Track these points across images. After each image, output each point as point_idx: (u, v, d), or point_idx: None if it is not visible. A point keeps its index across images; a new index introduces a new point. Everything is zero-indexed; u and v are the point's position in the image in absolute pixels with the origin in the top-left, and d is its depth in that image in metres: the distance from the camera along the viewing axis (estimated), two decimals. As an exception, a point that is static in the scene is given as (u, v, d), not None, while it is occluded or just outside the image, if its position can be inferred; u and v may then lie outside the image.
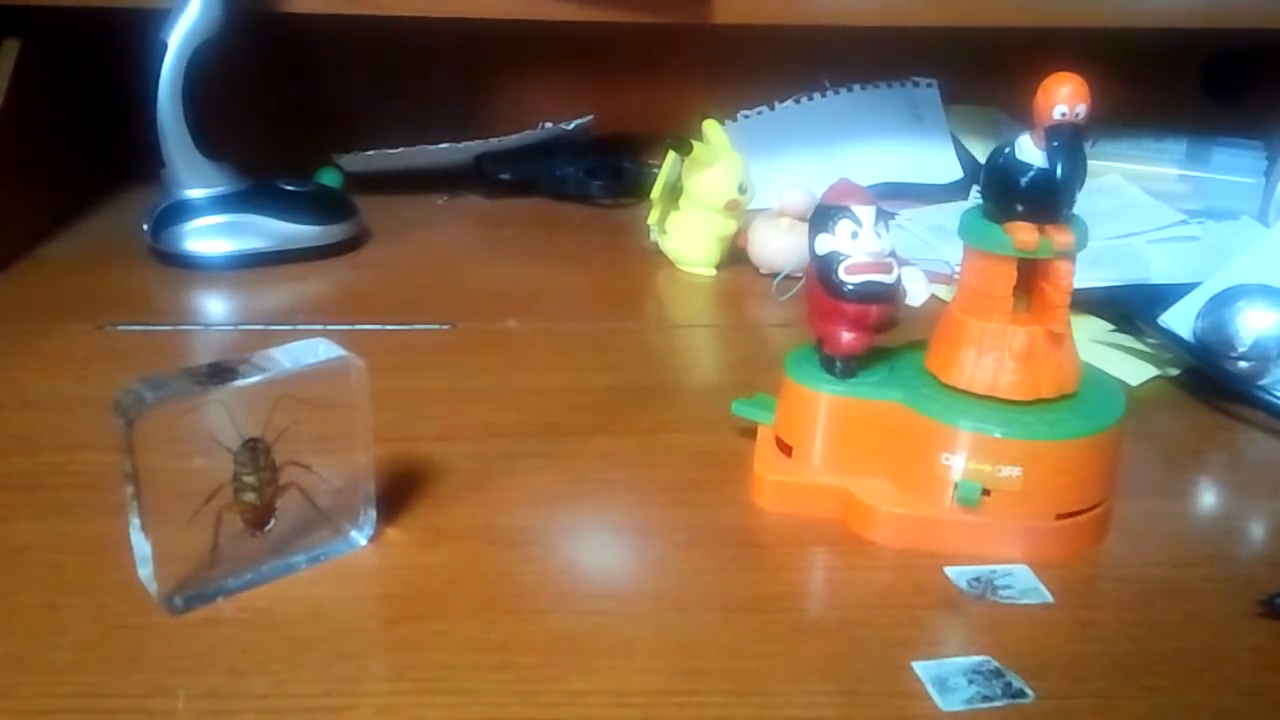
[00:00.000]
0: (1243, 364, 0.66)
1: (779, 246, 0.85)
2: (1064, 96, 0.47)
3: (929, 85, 1.10)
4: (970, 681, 0.42)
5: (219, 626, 0.44)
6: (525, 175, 1.10)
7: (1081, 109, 0.47)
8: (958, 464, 0.50)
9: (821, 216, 0.52)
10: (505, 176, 1.09)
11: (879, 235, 0.51)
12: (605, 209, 1.07)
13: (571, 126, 1.11)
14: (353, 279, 0.88)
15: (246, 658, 0.42)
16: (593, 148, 1.12)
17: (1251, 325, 0.66)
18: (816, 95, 1.09)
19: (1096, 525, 0.52)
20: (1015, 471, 0.49)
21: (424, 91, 1.14)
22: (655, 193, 0.90)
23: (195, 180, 0.87)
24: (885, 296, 0.51)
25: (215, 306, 0.82)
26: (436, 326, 0.76)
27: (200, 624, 0.44)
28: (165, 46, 0.83)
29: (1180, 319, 0.70)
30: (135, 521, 0.43)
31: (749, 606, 0.47)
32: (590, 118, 1.12)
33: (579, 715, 0.40)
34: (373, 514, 0.50)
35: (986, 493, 0.49)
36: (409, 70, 1.13)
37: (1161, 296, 0.73)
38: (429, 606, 0.46)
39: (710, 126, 0.87)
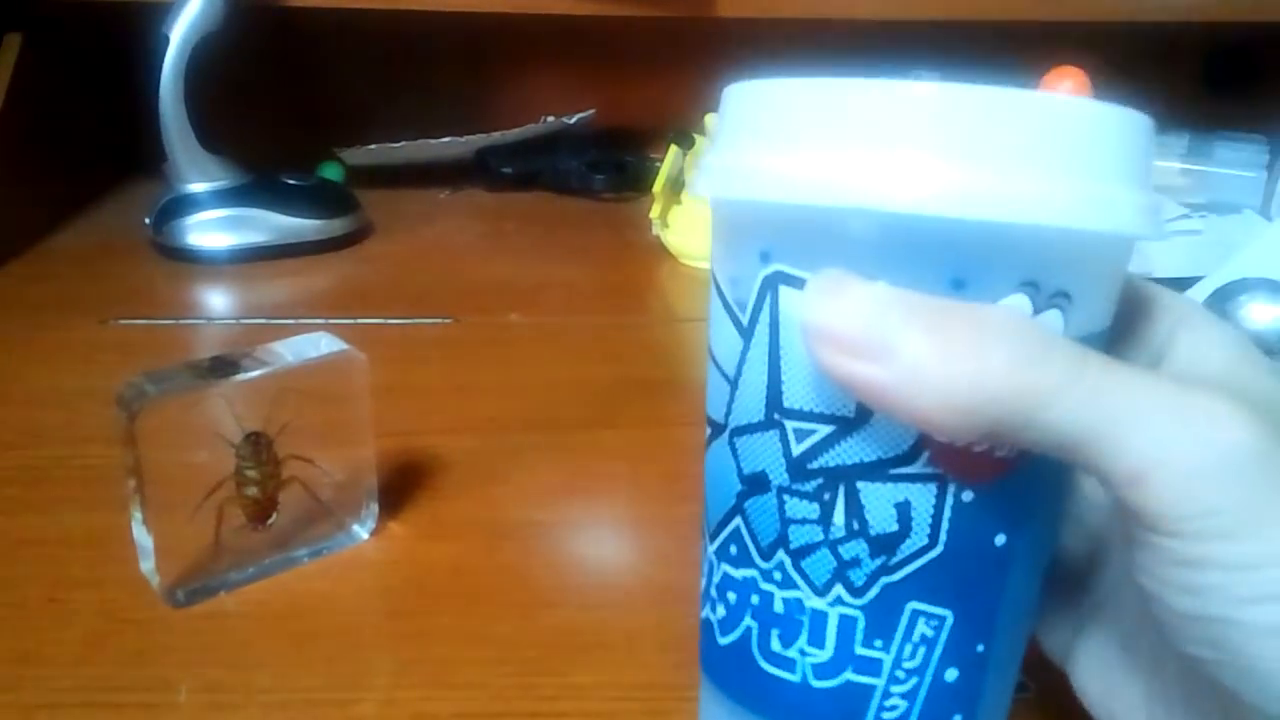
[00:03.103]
0: (1245, 358, 0.66)
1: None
2: (1066, 90, 0.47)
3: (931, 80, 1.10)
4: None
5: (221, 620, 0.44)
6: (528, 169, 1.10)
7: (1084, 103, 0.47)
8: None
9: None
10: (508, 170, 1.09)
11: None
12: (608, 203, 1.07)
13: (574, 120, 1.11)
14: (355, 273, 0.88)
15: (249, 651, 0.42)
16: (595, 142, 1.12)
17: (1254, 319, 0.66)
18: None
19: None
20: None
21: (426, 85, 1.14)
22: (658, 187, 0.90)
23: (197, 174, 0.87)
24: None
25: (217, 300, 0.82)
26: (438, 320, 0.76)
27: (203, 618, 0.44)
28: (167, 40, 0.83)
29: (1183, 313, 0.70)
30: (137, 515, 0.43)
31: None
32: (592, 111, 1.12)
33: (582, 709, 0.40)
34: (375, 508, 0.50)
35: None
36: (411, 64, 1.13)
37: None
38: (432, 600, 0.46)
39: (713, 120, 0.87)
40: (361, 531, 0.50)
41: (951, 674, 0.28)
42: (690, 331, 0.80)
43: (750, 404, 0.28)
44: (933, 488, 0.26)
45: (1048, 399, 0.23)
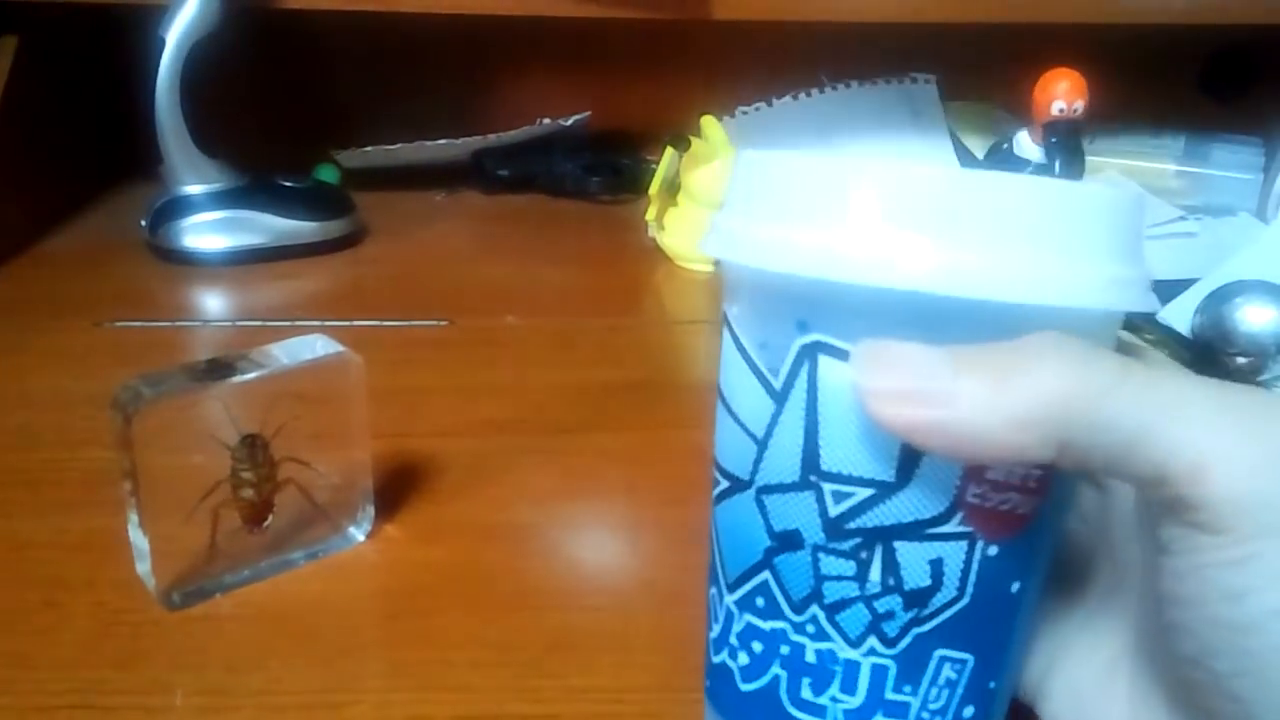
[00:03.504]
0: (1241, 360, 0.66)
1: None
2: (1062, 92, 0.48)
3: (927, 82, 1.10)
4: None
5: (217, 623, 0.44)
6: (523, 171, 1.10)
7: (1079, 105, 0.47)
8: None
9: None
10: (503, 173, 1.09)
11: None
12: (603, 205, 1.07)
13: (570, 123, 1.11)
14: (351, 275, 0.88)
15: (244, 654, 0.42)
16: (591, 144, 1.12)
17: (1250, 321, 0.66)
18: (815, 92, 1.09)
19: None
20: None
21: (422, 88, 1.14)
22: (653, 189, 0.90)
23: (193, 176, 0.87)
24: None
25: (213, 302, 0.82)
26: (434, 323, 0.76)
27: (198, 620, 0.44)
28: (163, 43, 0.83)
29: (1178, 315, 0.70)
30: (133, 518, 0.43)
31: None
32: (588, 114, 1.12)
33: (578, 711, 0.40)
34: (371, 510, 0.50)
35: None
36: (407, 66, 1.13)
37: (1159, 292, 0.73)
38: (427, 602, 0.46)
39: (708, 123, 0.87)
40: (357, 534, 0.50)
41: (968, 711, 0.30)
42: (686, 334, 0.80)
43: (782, 465, 0.29)
44: (964, 545, 0.28)
45: (1102, 397, 0.24)
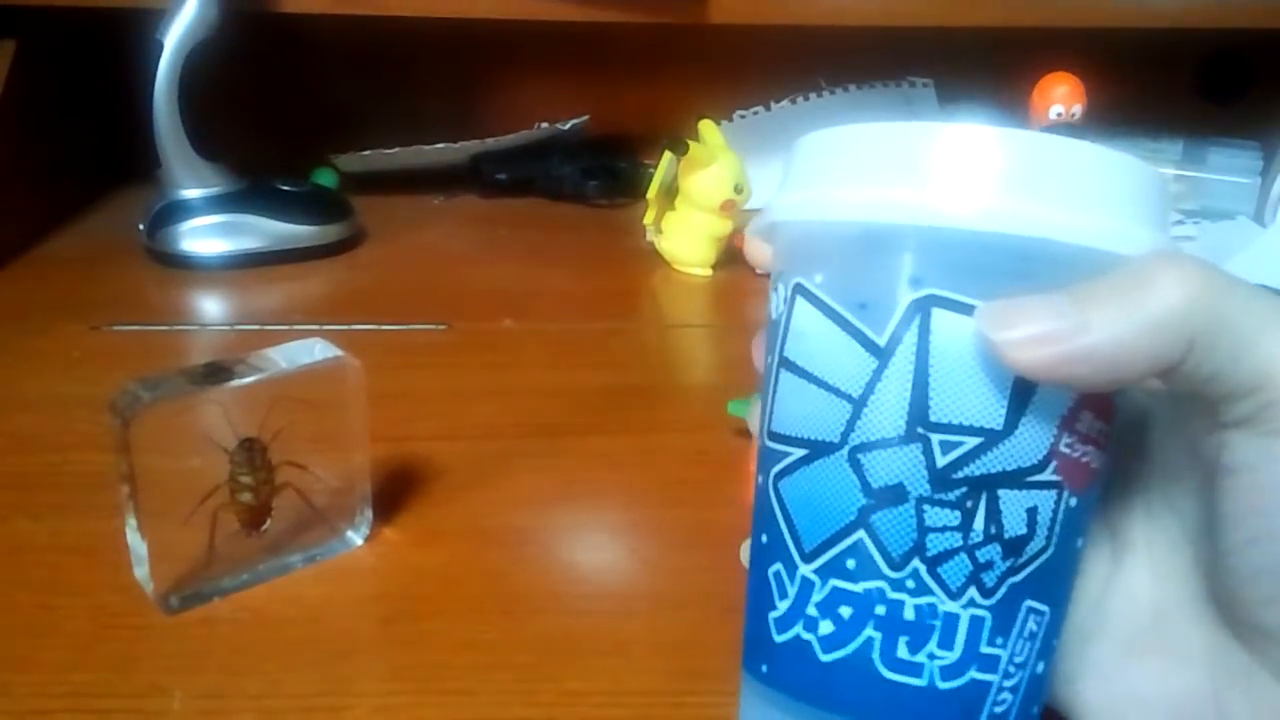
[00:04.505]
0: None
1: (775, 246, 0.85)
2: (1060, 96, 0.48)
3: (925, 85, 1.10)
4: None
5: (215, 626, 0.44)
6: (521, 175, 1.10)
7: (1077, 109, 0.47)
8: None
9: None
10: (501, 177, 1.09)
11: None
12: (601, 209, 1.07)
13: (567, 127, 1.11)
14: (349, 279, 0.88)
15: (242, 658, 0.42)
16: (589, 148, 1.12)
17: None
18: (813, 95, 1.09)
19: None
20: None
21: (420, 91, 1.14)
22: (651, 193, 0.90)
23: (191, 180, 0.87)
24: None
25: (211, 306, 0.82)
26: (432, 326, 0.76)
27: (196, 624, 0.44)
28: (161, 46, 0.83)
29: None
30: (131, 521, 0.43)
31: (744, 607, 0.46)
32: (586, 118, 1.12)
33: (576, 715, 0.40)
34: (369, 514, 0.50)
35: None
36: (405, 70, 1.13)
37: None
38: (425, 606, 0.46)
39: (706, 127, 0.87)
40: (355, 537, 0.50)
41: (1040, 667, 0.31)
42: (683, 338, 0.80)
43: (885, 420, 0.29)
44: (1053, 494, 0.29)
45: (1224, 297, 0.27)
